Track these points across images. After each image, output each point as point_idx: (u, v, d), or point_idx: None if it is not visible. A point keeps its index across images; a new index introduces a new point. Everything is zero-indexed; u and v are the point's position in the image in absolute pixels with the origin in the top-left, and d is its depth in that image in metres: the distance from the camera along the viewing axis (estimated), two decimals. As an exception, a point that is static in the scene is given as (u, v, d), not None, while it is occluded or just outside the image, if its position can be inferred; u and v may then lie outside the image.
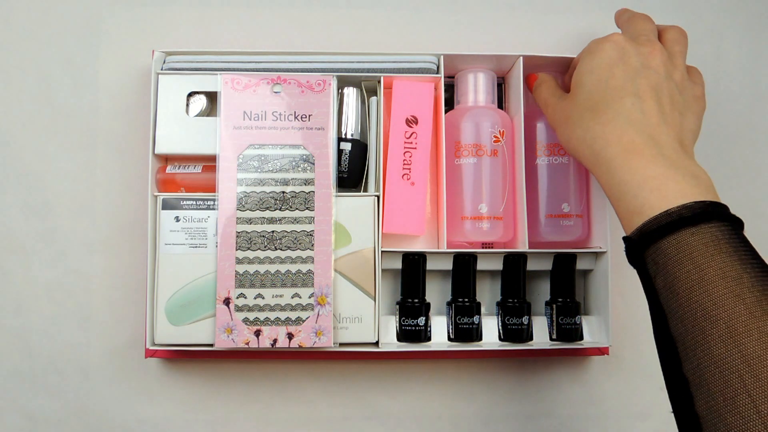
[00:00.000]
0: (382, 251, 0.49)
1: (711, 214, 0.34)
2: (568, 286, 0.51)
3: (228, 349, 0.48)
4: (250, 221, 0.48)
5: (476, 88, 0.52)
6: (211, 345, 0.48)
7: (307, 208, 0.48)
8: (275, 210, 0.48)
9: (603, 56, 0.42)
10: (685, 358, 0.33)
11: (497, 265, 0.51)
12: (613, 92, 0.41)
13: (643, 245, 0.35)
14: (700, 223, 0.34)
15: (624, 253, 0.38)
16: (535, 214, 0.51)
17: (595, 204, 0.52)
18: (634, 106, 0.40)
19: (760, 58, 0.58)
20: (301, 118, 0.49)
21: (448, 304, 0.51)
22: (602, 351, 0.52)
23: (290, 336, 0.48)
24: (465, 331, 0.50)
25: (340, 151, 0.50)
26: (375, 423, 0.54)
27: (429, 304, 0.51)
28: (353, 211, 0.49)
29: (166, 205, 0.49)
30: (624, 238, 0.37)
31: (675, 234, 0.34)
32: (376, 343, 0.49)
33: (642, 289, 0.37)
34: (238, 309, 0.48)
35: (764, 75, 0.57)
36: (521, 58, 0.50)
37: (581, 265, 0.52)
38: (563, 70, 0.52)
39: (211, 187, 0.49)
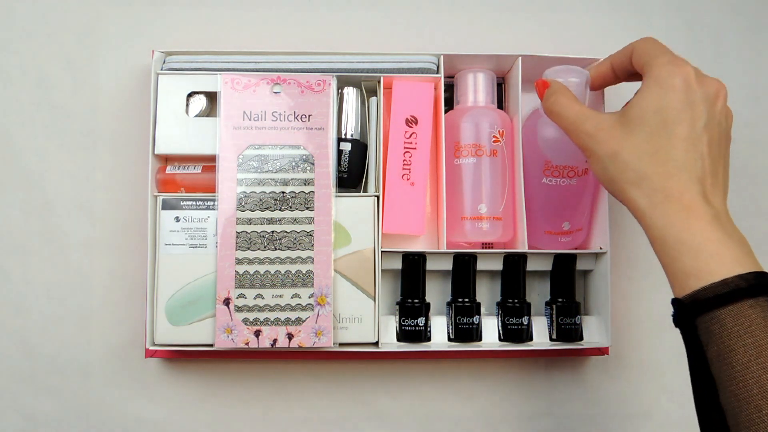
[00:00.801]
0: (382, 251, 0.49)
1: (764, 287, 0.34)
2: (568, 287, 0.51)
3: (228, 349, 0.48)
4: (249, 221, 0.48)
5: (476, 88, 0.51)
6: (211, 345, 0.48)
7: (306, 209, 0.48)
8: (275, 210, 0.48)
9: (673, 97, 0.38)
10: None
11: (497, 265, 0.51)
12: (677, 143, 0.38)
13: (697, 311, 0.35)
14: (758, 295, 0.33)
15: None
16: (535, 230, 0.51)
17: (599, 213, 0.52)
18: (697, 163, 0.37)
19: (760, 58, 0.58)
20: (301, 118, 0.49)
21: (448, 304, 0.51)
22: (602, 351, 0.52)
23: (290, 336, 0.48)
24: (465, 331, 0.50)
25: (340, 151, 0.50)
26: (375, 423, 0.53)
27: (429, 304, 0.51)
28: (353, 211, 0.49)
29: (166, 205, 0.49)
30: (674, 301, 0.36)
31: (733, 305, 0.33)
32: (376, 343, 0.49)
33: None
34: (238, 309, 0.48)
35: (764, 75, 0.57)
36: (521, 58, 0.50)
37: (581, 265, 0.52)
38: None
39: (211, 187, 0.49)
